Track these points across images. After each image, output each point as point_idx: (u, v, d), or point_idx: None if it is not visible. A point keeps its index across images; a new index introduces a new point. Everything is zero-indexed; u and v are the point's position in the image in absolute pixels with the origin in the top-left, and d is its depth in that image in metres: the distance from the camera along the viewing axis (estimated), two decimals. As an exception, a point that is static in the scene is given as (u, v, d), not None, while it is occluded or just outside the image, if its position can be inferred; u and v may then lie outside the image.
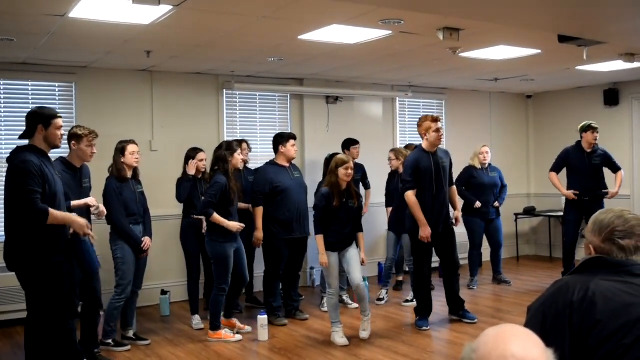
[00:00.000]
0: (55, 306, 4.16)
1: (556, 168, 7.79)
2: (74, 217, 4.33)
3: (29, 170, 4.05)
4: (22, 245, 4.11)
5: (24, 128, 4.12)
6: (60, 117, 4.39)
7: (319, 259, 5.64)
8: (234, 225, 5.74)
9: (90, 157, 5.11)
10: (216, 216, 5.72)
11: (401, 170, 7.09)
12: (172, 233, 7.15)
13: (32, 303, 4.21)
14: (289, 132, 7.12)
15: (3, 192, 4.33)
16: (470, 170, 7.91)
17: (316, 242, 5.68)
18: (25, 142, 4.32)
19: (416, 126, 6.06)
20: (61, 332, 4.23)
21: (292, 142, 6.57)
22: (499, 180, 8.05)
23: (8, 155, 4.26)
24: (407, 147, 7.76)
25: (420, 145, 6.20)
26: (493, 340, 1.26)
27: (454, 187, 6.50)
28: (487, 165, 7.94)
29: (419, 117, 6.00)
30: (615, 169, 7.64)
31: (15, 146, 4.33)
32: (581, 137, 7.58)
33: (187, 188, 6.34)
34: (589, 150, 7.55)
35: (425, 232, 5.95)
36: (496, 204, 7.98)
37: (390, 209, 7.54)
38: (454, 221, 6.36)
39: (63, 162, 5.04)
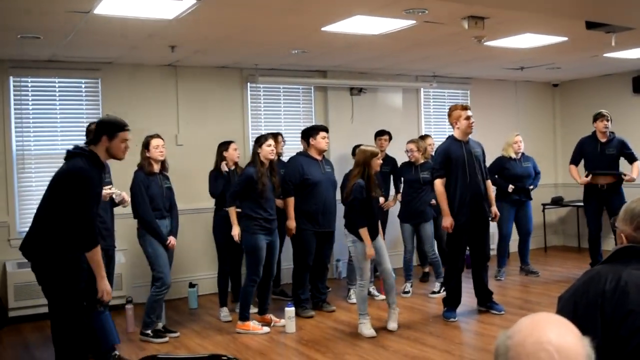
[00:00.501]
0: (69, 301, 4.05)
1: (574, 160, 7.78)
2: (104, 275, 4.11)
3: (92, 188, 3.96)
4: (44, 238, 4.01)
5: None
6: (128, 129, 4.21)
7: (367, 252, 5.61)
8: (235, 228, 5.84)
9: None
10: (231, 209, 5.87)
11: (420, 161, 7.14)
12: (199, 226, 7.21)
13: (48, 297, 4.11)
14: (321, 124, 7.05)
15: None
16: (503, 161, 7.78)
17: (362, 235, 5.62)
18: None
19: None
20: (78, 326, 4.13)
21: (322, 134, 6.52)
22: (533, 170, 7.90)
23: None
24: (423, 137, 7.74)
25: (452, 135, 6.16)
26: (528, 327, 1.25)
27: (489, 181, 6.40)
28: (520, 155, 7.82)
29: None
30: (631, 159, 7.53)
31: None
32: (594, 127, 7.52)
33: (221, 184, 6.35)
34: (603, 140, 7.49)
35: (446, 222, 5.93)
36: (530, 187, 7.89)
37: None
38: (493, 216, 6.31)
39: None
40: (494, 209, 6.36)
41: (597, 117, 7.50)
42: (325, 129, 6.66)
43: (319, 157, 6.55)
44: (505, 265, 7.97)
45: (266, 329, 5.86)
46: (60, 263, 4.02)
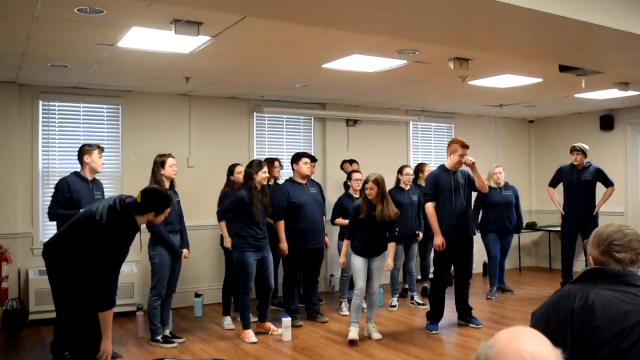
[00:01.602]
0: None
1: (552, 183, 7.82)
2: (110, 336, 3.86)
3: (124, 250, 3.93)
4: (66, 249, 3.97)
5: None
6: (170, 205, 4.26)
7: (339, 260, 5.82)
8: (227, 240, 5.88)
9: (100, 167, 5.31)
10: (222, 225, 5.92)
11: (408, 186, 7.26)
12: (206, 241, 7.18)
13: (59, 302, 4.06)
14: (304, 151, 7.01)
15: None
16: None
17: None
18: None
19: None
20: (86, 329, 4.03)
21: (304, 160, 6.51)
22: (514, 198, 7.82)
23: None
24: (421, 165, 7.74)
25: (443, 164, 6.17)
26: (507, 337, 1.26)
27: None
28: (502, 184, 7.76)
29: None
30: (607, 184, 7.49)
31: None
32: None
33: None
34: (579, 169, 7.50)
35: (438, 240, 5.94)
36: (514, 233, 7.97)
37: None
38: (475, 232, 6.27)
39: (77, 175, 5.25)
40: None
41: (570, 150, 7.57)
42: (307, 156, 6.62)
43: (303, 181, 6.53)
44: (497, 284, 7.81)
45: (253, 339, 5.75)
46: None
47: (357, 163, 7.75)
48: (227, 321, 6.34)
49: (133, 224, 3.95)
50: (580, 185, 7.46)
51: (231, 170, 6.52)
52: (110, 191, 6.48)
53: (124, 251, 3.91)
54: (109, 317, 3.78)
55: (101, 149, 5.35)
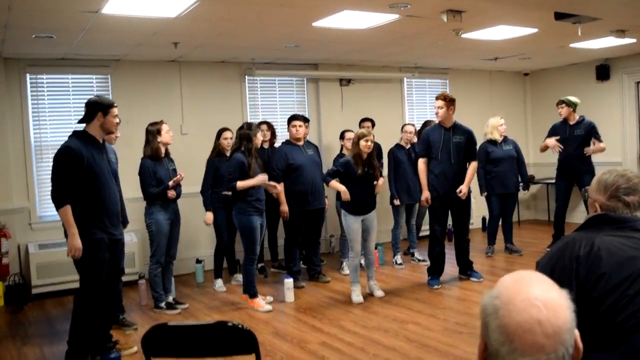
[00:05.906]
0: (92, 273, 4.21)
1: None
2: (74, 232, 4.10)
3: (73, 161, 4.09)
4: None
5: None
6: (116, 106, 4.40)
7: (342, 195, 5.65)
8: (258, 179, 5.50)
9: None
10: (240, 183, 5.50)
11: (408, 145, 7.22)
12: (203, 208, 7.12)
13: (79, 272, 4.27)
14: (294, 114, 6.89)
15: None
16: (485, 146, 7.40)
17: (332, 186, 5.79)
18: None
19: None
20: (98, 297, 4.26)
21: (293, 122, 6.55)
22: (515, 152, 7.49)
23: (55, 141, 4.26)
24: (427, 123, 7.53)
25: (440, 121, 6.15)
26: (513, 285, 1.20)
27: (474, 162, 6.15)
28: (502, 138, 7.44)
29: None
30: (599, 139, 7.32)
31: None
32: None
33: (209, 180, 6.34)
34: (572, 123, 7.39)
35: (423, 196, 6.12)
36: (522, 188, 7.66)
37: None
38: (458, 192, 6.01)
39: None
40: (463, 187, 6.00)
41: (557, 104, 7.48)
42: (298, 118, 6.61)
43: (299, 143, 6.54)
44: (494, 243, 7.62)
45: (268, 307, 5.60)
46: (84, 241, 4.14)
47: (371, 121, 7.52)
48: (219, 284, 6.44)
49: (85, 135, 4.23)
50: (573, 140, 7.33)
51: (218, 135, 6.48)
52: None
53: (72, 160, 4.08)
54: (63, 214, 4.08)
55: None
